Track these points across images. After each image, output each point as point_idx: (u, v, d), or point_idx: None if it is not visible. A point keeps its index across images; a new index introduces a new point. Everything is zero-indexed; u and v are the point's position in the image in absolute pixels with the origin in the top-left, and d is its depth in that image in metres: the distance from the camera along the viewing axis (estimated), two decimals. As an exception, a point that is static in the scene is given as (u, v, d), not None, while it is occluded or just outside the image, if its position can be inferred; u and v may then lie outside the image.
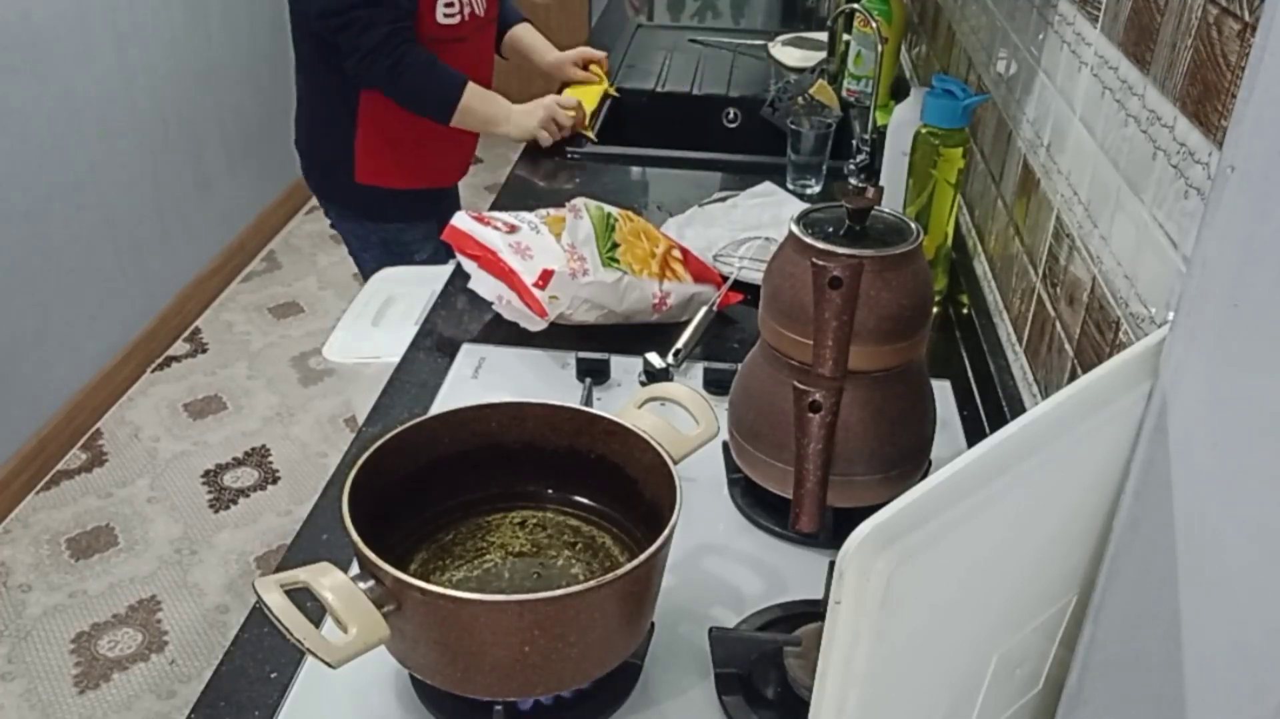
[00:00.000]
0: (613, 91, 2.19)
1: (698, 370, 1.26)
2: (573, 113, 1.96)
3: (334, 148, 2.01)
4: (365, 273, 2.15)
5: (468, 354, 1.31)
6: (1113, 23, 1.01)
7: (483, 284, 1.33)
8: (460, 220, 1.37)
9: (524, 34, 2.21)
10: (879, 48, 1.82)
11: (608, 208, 1.37)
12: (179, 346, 3.14)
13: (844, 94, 2.14)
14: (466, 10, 1.93)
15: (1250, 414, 0.53)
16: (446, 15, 1.90)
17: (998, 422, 1.19)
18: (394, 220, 2.08)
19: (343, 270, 3.59)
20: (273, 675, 0.87)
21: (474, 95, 1.90)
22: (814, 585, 0.95)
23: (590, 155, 1.93)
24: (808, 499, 0.93)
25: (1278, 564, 0.49)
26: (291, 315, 3.33)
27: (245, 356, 3.11)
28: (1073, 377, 1.05)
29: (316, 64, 1.96)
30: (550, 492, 0.96)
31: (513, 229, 1.36)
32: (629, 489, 0.90)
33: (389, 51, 1.82)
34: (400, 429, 0.88)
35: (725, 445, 1.09)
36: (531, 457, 0.94)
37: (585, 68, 2.22)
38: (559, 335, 1.31)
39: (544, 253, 1.33)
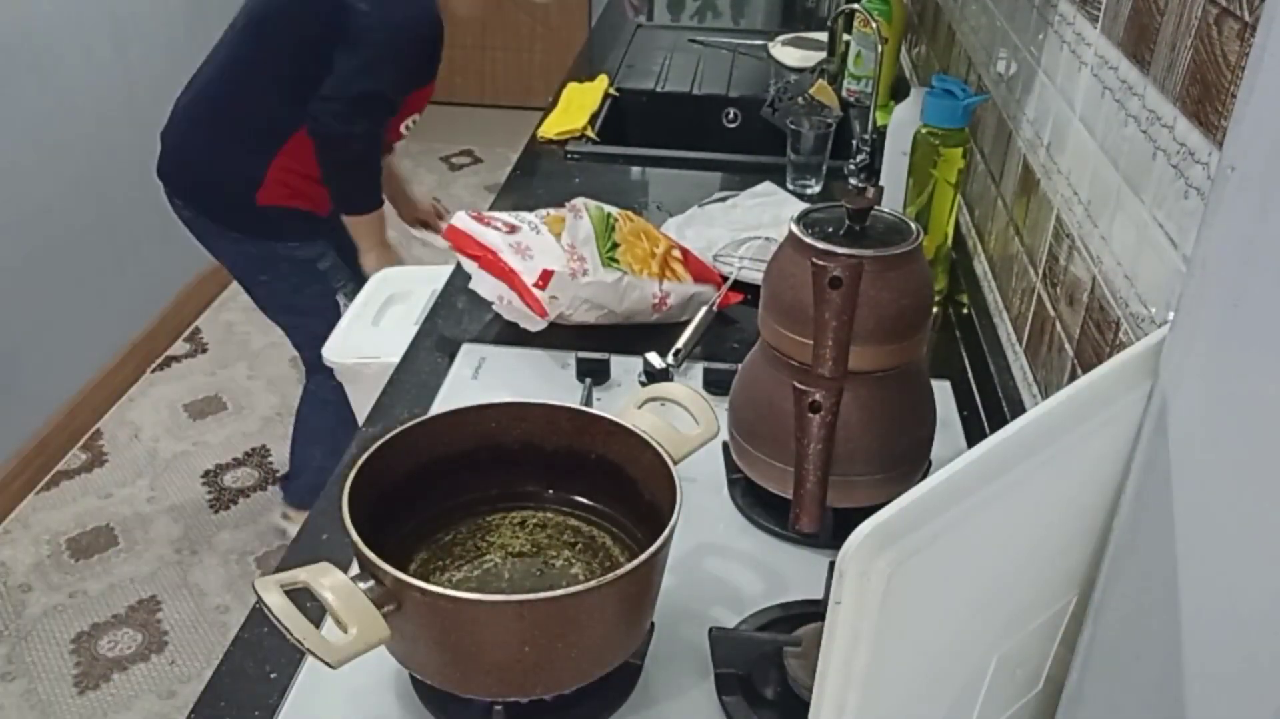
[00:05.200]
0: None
1: (698, 370, 1.26)
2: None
3: (243, 165, 1.99)
4: (258, 295, 2.18)
5: (468, 354, 1.31)
6: (1113, 23, 1.01)
7: (483, 284, 1.33)
8: (460, 220, 1.37)
9: (395, 160, 2.29)
10: (879, 48, 1.82)
11: (608, 208, 1.37)
12: (179, 347, 3.14)
13: (844, 94, 2.14)
14: (409, 128, 2.10)
15: (1250, 414, 0.53)
16: (406, 129, 2.08)
17: (998, 422, 1.19)
18: (291, 239, 2.08)
19: (343, 270, 3.59)
20: (273, 675, 0.87)
21: (380, 216, 2.08)
22: (814, 585, 0.95)
23: (590, 155, 1.93)
24: (808, 499, 0.93)
25: (1278, 564, 0.49)
26: (291, 315, 3.32)
27: (245, 357, 3.11)
28: (1073, 376, 1.05)
29: (270, 85, 1.95)
30: (550, 492, 0.95)
31: (513, 229, 1.36)
32: (629, 489, 0.90)
33: (371, 141, 1.96)
34: (400, 429, 0.88)
35: (725, 445, 1.09)
36: (531, 457, 0.94)
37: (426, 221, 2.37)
38: (559, 335, 1.31)
39: (544, 253, 1.32)
